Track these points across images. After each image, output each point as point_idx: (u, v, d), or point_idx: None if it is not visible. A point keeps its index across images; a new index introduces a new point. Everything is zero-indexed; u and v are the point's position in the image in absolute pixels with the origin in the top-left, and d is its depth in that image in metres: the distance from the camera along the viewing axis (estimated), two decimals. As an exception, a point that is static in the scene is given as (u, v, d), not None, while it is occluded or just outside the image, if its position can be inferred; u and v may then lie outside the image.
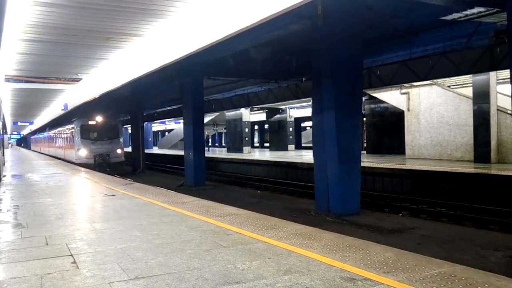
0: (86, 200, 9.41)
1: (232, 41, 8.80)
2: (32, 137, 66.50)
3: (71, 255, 4.82)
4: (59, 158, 31.31)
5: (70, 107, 22.98)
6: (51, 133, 38.72)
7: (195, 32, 8.78)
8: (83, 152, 25.09)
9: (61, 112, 26.08)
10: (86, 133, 25.56)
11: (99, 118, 25.76)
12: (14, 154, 42.86)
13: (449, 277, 3.90)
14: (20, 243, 5.50)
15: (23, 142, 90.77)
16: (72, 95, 21.76)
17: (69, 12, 8.59)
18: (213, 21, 8.04)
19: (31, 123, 46.41)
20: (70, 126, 27.54)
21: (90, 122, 25.78)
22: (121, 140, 27.29)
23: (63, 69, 15.89)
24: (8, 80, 18.23)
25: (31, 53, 12.20)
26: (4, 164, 23.70)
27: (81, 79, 17.90)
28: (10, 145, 71.40)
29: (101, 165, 24.63)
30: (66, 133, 29.04)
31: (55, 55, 12.66)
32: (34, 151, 57.91)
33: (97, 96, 17.27)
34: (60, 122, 32.81)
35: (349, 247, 4.96)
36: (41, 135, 51.45)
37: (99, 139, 25.67)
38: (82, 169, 20.29)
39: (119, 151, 26.32)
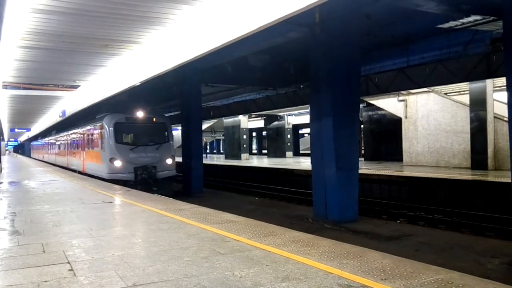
0: (84, 207, 9.37)
1: (230, 48, 8.85)
2: (33, 143, 59.54)
3: (68, 263, 4.80)
4: (73, 170, 23.55)
5: (67, 114, 22.86)
6: (61, 136, 29.75)
7: (193, 40, 8.81)
8: (118, 163, 16.84)
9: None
10: (123, 135, 17.60)
11: (140, 114, 17.63)
12: (11, 161, 42.71)
13: (447, 284, 3.90)
14: (17, 250, 5.47)
15: (20, 149, 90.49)
16: (70, 102, 21.75)
17: (67, 19, 8.62)
18: (212, 29, 8.08)
19: (28, 129, 46.30)
20: (95, 124, 19.09)
21: (129, 119, 17.68)
22: (172, 145, 18.79)
23: (61, 76, 15.91)
24: (5, 87, 18.24)
25: (29, 60, 12.22)
26: (1, 171, 23.63)
27: (79, 86, 17.92)
28: (7, 152, 71.23)
29: (145, 182, 16.87)
30: (89, 136, 20.22)
31: (53, 62, 12.69)
32: (36, 159, 50.45)
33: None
34: (75, 121, 25.00)
35: (347, 254, 4.96)
36: (44, 140, 42.70)
37: (141, 144, 17.43)
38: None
39: (169, 161, 17.82)
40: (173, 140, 18.94)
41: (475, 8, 10.37)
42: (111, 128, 17.22)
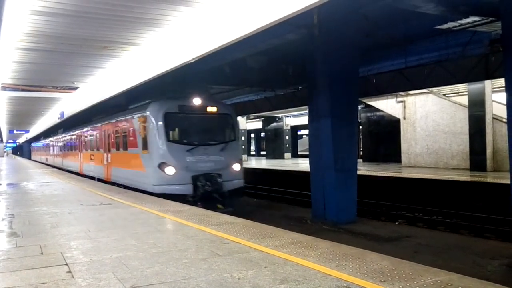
0: (82, 208, 9.35)
1: (228, 50, 8.84)
2: (34, 144, 54.84)
3: (66, 264, 4.78)
4: (88, 177, 19.16)
5: (66, 115, 22.81)
6: (71, 135, 24.88)
7: (191, 41, 8.81)
8: (171, 171, 12.05)
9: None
10: (176, 131, 12.85)
11: (198, 100, 12.91)
12: (10, 163, 42.65)
13: (446, 286, 3.89)
14: (15, 252, 5.45)
15: (19, 150, 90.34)
16: (68, 103, 21.72)
17: (65, 21, 8.62)
18: (210, 30, 8.08)
19: (27, 131, 46.27)
20: (131, 116, 14.09)
21: (183, 108, 12.82)
22: (240, 144, 14.76)
23: (59, 78, 15.90)
24: (4, 88, 18.22)
25: (28, 61, 12.22)
26: (-1, 172, 23.59)
27: (77, 87, 17.91)
28: (5, 153, 71.12)
29: (209, 196, 12.00)
30: (119, 132, 15.31)
31: (51, 63, 12.69)
32: (38, 162, 45.79)
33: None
34: (90, 116, 20.65)
35: (345, 256, 4.95)
36: (48, 140, 37.04)
37: (202, 143, 12.67)
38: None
39: (237, 166, 13.07)
40: (240, 137, 13.87)
41: (474, 9, 10.38)
42: (161, 121, 12.25)
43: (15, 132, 47.13)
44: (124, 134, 14.68)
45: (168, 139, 12.28)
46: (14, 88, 18.62)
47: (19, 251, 5.52)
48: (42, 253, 5.36)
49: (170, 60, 9.94)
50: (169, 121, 12.46)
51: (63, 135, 28.46)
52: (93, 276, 4.35)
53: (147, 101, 14.02)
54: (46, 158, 39.11)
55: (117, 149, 15.59)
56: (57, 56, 11.66)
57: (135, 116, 13.59)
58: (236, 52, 13.17)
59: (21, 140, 70.20)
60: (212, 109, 13.17)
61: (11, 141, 72.51)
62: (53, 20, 8.52)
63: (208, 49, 8.25)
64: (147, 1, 7.64)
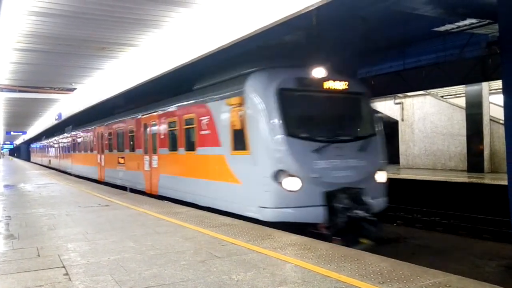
0: (80, 210, 9.32)
1: (226, 51, 8.82)
2: (34, 145, 49.85)
3: (64, 267, 4.76)
4: (129, 190, 14.30)
5: (63, 117, 22.71)
6: (89, 131, 20.20)
7: (190, 42, 8.80)
8: (296, 184, 7.40)
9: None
10: (297, 120, 8.20)
11: (321, 72, 8.20)
12: (7, 164, 42.51)
13: (444, 287, 3.89)
14: (11, 254, 5.42)
15: (16, 152, 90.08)
16: (66, 105, 21.67)
17: (63, 22, 8.59)
18: (208, 32, 8.07)
19: (24, 132, 46.16)
20: (212, 96, 9.49)
21: (303, 82, 8.16)
22: (382, 142, 8.89)
23: (57, 79, 15.86)
24: (1, 89, 18.19)
25: (25, 62, 12.17)
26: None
27: (75, 88, 17.86)
28: (2, 155, 70.93)
29: (356, 225, 7.39)
30: (181, 122, 10.81)
31: (48, 64, 12.65)
32: (39, 164, 41.36)
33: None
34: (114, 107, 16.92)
35: (344, 257, 4.94)
36: (54, 139, 31.71)
37: (331, 138, 8.02)
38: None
39: (381, 177, 8.54)
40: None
41: (471, 12, 10.41)
42: (275, 103, 7.73)
43: (12, 133, 47.02)
44: (189, 127, 10.29)
45: (288, 132, 7.54)
46: (11, 89, 18.58)
47: (16, 253, 5.49)
48: (39, 255, 5.33)
49: (169, 61, 9.90)
50: (287, 103, 7.75)
51: (73, 133, 24.12)
52: (90, 278, 4.33)
53: (241, 72, 8.80)
54: (49, 161, 34.08)
55: (173, 148, 11.19)
56: (54, 57, 11.63)
57: (218, 97, 9.03)
58: (235, 53, 13.14)
59: (18, 141, 70.02)
60: (341, 85, 8.41)
61: (8, 142, 72.32)
62: (51, 21, 8.49)
63: (207, 50, 8.23)
64: (146, 3, 7.62)
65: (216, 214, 8.37)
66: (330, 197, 7.47)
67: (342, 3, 10.43)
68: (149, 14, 8.22)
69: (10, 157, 76.56)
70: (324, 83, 8.24)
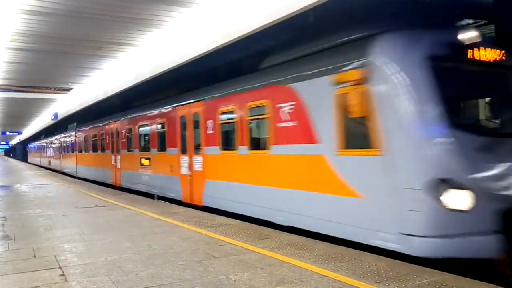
0: (76, 211, 9.29)
1: (224, 51, 8.80)
2: (32, 145, 46.73)
3: (60, 267, 4.74)
4: (157, 198, 11.79)
5: (59, 117, 22.62)
6: (102, 128, 17.10)
7: (188, 42, 8.77)
8: (465, 201, 4.83)
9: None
10: (458, 102, 6.16)
11: (474, 37, 5.61)
12: (3, 165, 42.33)
13: (441, 286, 3.90)
14: (7, 255, 5.39)
15: (12, 152, 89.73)
16: (62, 104, 21.57)
17: (58, 21, 8.53)
18: (206, 32, 8.06)
19: (20, 133, 45.99)
20: (326, 66, 6.28)
21: (457, 48, 5.51)
22: None
23: (53, 78, 15.80)
24: (-4, 89, 18.11)
25: (19, 61, 12.11)
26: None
27: (71, 88, 17.80)
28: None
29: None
30: (242, 113, 8.09)
31: (44, 64, 12.59)
32: (39, 165, 38.09)
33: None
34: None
35: (341, 257, 4.95)
36: (55, 138, 28.49)
37: (498, 131, 5.97)
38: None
39: None
40: None
41: (467, 12, 10.45)
42: (426, 75, 5.34)
43: (7, 133, 46.85)
44: (256, 118, 7.90)
45: (452, 121, 5.20)
46: (6, 89, 18.49)
47: (11, 254, 5.46)
48: (35, 256, 5.31)
49: (168, 61, 9.83)
50: (443, 79, 5.40)
51: (78, 130, 21.35)
52: (87, 279, 4.31)
53: (359, 34, 6.25)
54: (49, 161, 31.10)
55: (227, 147, 8.83)
56: (49, 56, 11.56)
57: (312, 73, 6.59)
58: (233, 53, 13.13)
59: (14, 141, 69.75)
60: (499, 54, 6.10)
61: (4, 142, 72.05)
62: (45, 20, 8.42)
63: (205, 49, 8.21)
64: (144, 1, 7.59)
65: (213, 214, 8.33)
66: (508, 219, 4.95)
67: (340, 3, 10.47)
68: (148, 13, 8.28)
69: (6, 158, 76.27)
70: (490, 52, 5.91)
